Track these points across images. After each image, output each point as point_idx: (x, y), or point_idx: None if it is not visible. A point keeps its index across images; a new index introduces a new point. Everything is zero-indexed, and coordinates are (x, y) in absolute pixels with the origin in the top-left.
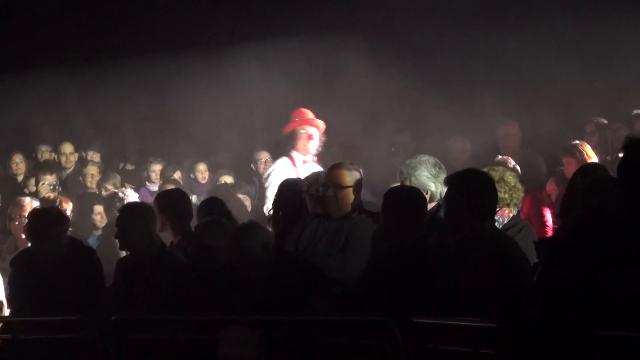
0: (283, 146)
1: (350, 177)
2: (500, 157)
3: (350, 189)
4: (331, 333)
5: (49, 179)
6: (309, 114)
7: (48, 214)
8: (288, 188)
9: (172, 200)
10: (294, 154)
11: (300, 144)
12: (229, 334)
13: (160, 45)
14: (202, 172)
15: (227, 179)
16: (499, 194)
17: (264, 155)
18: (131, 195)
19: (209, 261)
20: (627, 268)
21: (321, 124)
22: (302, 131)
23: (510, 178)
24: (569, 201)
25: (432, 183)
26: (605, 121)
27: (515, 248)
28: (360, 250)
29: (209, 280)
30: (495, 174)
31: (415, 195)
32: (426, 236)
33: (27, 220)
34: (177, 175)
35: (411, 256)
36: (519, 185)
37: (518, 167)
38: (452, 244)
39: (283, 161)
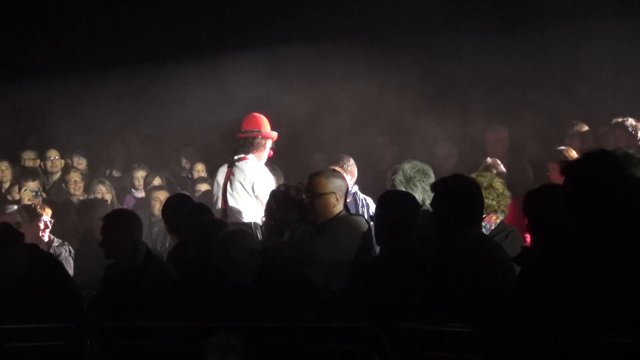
0: (234, 150)
1: (330, 184)
2: (489, 159)
3: (330, 196)
4: (318, 339)
5: (32, 186)
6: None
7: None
8: (280, 195)
9: (173, 205)
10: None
11: (264, 153)
12: (215, 341)
13: (147, 51)
14: (199, 171)
15: (204, 188)
16: (486, 200)
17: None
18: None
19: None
20: (591, 276)
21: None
22: (264, 141)
23: (499, 184)
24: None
25: (403, 187)
26: (586, 126)
27: (501, 254)
28: (329, 239)
29: (195, 286)
30: (484, 180)
31: (406, 201)
32: (416, 241)
33: None
34: (156, 181)
35: (399, 262)
36: (506, 192)
37: (504, 169)
38: (438, 250)
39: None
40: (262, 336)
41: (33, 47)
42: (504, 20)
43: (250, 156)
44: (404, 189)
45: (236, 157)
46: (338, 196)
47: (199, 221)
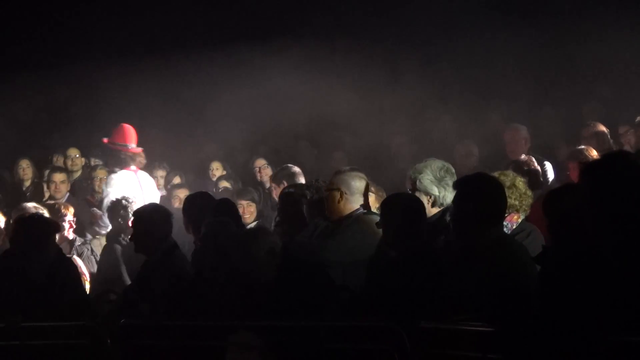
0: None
1: (336, 180)
2: (524, 156)
3: (334, 192)
4: (338, 339)
5: (60, 177)
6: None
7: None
8: (290, 195)
9: (194, 203)
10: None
11: (137, 162)
12: (235, 340)
13: (166, 50)
14: (215, 169)
15: (226, 185)
16: (509, 200)
17: (260, 163)
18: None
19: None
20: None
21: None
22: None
23: (521, 184)
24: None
25: (436, 187)
26: (603, 127)
27: (523, 253)
28: (342, 240)
29: (215, 285)
30: (506, 179)
31: (410, 204)
32: (430, 242)
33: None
34: (176, 180)
35: (417, 262)
36: (529, 192)
37: (539, 168)
38: (459, 249)
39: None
40: (281, 335)
41: (53, 44)
42: (524, 17)
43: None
44: (435, 189)
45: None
46: (344, 192)
47: (206, 221)
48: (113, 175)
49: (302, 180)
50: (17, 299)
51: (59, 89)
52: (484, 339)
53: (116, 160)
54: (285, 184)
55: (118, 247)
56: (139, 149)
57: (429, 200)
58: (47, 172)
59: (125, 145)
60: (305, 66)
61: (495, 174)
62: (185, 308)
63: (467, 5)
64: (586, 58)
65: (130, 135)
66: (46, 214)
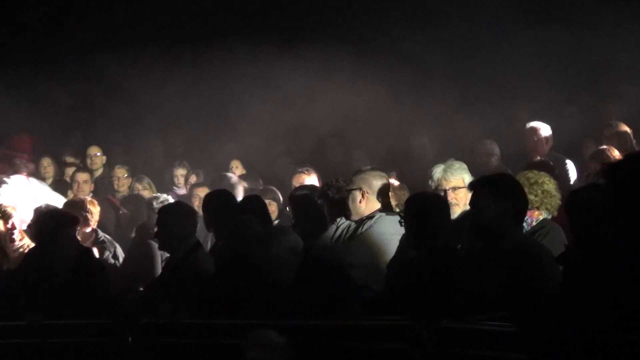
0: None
1: (357, 179)
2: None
3: (355, 192)
4: (359, 338)
5: (84, 177)
6: None
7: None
8: (303, 197)
9: (213, 201)
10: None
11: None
12: (256, 338)
13: (189, 48)
14: (235, 168)
15: (244, 184)
16: (530, 195)
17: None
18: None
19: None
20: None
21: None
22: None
23: (550, 185)
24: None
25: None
26: (625, 127)
27: (545, 253)
28: (365, 242)
29: (236, 283)
30: (533, 177)
31: (436, 203)
32: (451, 241)
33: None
34: (192, 179)
35: (437, 261)
36: (557, 193)
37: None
38: (479, 249)
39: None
40: (302, 334)
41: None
42: (547, 15)
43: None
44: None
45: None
46: (365, 192)
47: (228, 219)
48: (6, 179)
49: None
50: (39, 296)
51: (80, 86)
52: (505, 338)
53: (9, 166)
54: None
55: (154, 244)
56: (30, 158)
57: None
58: (69, 170)
59: (23, 153)
60: (329, 67)
61: (526, 172)
62: (206, 306)
63: (492, 5)
64: (611, 57)
65: (28, 144)
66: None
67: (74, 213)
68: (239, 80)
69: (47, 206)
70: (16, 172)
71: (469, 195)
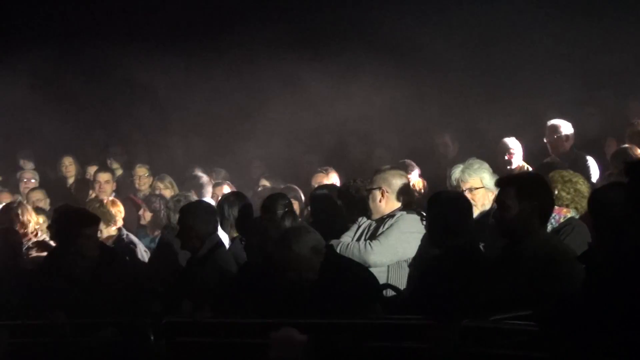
0: None
1: (378, 179)
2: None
3: (375, 191)
4: (381, 336)
5: (105, 177)
6: None
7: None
8: (322, 196)
9: (232, 201)
10: None
11: None
12: (278, 337)
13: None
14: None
15: (266, 183)
16: (562, 192)
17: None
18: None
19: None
20: None
21: None
22: None
23: (583, 186)
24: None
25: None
26: None
27: (569, 253)
28: (386, 241)
29: (257, 282)
30: (566, 175)
31: (458, 201)
32: (473, 240)
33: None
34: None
35: (459, 260)
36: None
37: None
38: (501, 248)
39: None
40: (325, 333)
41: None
42: (569, 12)
43: None
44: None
45: None
46: (385, 191)
47: (251, 220)
48: None
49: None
50: (62, 295)
51: (103, 84)
52: (527, 337)
53: None
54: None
55: (176, 243)
56: None
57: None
58: (90, 169)
59: None
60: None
61: (562, 171)
62: (228, 305)
63: (514, 2)
64: (634, 56)
65: None
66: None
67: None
68: (262, 80)
69: (67, 206)
70: None
71: (488, 194)
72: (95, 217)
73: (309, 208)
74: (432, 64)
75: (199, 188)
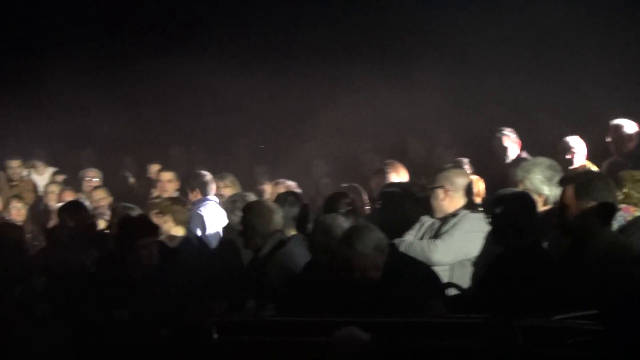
0: None
1: (440, 177)
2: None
3: (438, 190)
4: (443, 335)
5: (169, 176)
6: None
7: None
8: (392, 194)
9: (291, 200)
10: None
11: None
12: (341, 336)
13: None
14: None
15: (328, 182)
16: (631, 191)
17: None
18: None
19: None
20: None
21: None
22: None
23: None
24: None
25: (546, 187)
26: None
27: (633, 253)
28: (450, 240)
29: (321, 281)
30: (637, 174)
31: (523, 201)
32: (538, 239)
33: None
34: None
35: (524, 259)
36: None
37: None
38: (565, 248)
39: None
40: (388, 332)
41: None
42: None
43: None
44: (546, 188)
45: None
46: (448, 190)
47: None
48: None
49: (213, 187)
50: (123, 294)
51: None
52: (593, 337)
53: None
54: (199, 192)
55: (239, 242)
56: None
57: (539, 200)
58: (153, 168)
59: None
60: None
61: (631, 170)
62: (292, 304)
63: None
64: None
65: None
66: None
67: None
68: (323, 80)
69: (127, 216)
70: None
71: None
72: (154, 227)
73: (370, 206)
74: (493, 63)
75: (203, 186)
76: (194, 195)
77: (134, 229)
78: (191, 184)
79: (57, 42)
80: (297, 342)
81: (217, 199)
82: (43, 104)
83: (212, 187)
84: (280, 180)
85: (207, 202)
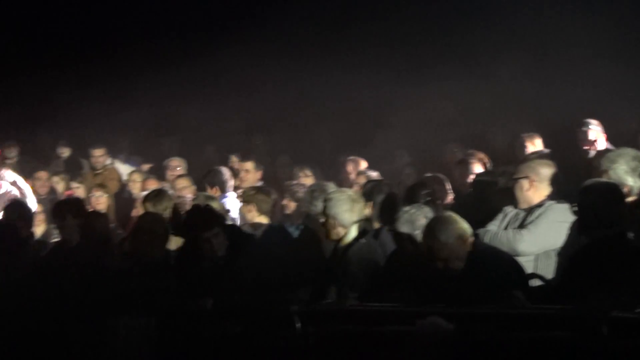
0: None
1: (524, 167)
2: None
3: (522, 180)
4: (527, 326)
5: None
6: None
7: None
8: (483, 183)
9: (375, 191)
10: None
11: None
12: (425, 325)
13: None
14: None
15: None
16: None
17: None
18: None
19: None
20: None
21: None
22: None
23: None
24: None
25: (630, 177)
26: None
27: None
28: (536, 231)
29: (404, 271)
30: None
31: (610, 191)
32: (624, 230)
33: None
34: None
35: (610, 250)
36: None
37: None
38: None
39: None
40: (471, 322)
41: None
42: None
43: None
44: (630, 179)
45: None
46: (533, 180)
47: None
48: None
49: (231, 184)
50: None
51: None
52: None
53: None
54: (218, 189)
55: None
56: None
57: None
58: (234, 158)
59: None
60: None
61: None
62: (374, 293)
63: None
64: None
65: None
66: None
67: None
68: (404, 71)
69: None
70: None
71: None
72: (215, 218)
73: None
74: (576, 52)
75: (223, 184)
76: (214, 192)
77: (194, 224)
78: (211, 181)
79: (139, 33)
80: (380, 331)
81: (234, 195)
82: (126, 94)
83: (231, 184)
84: (363, 169)
85: (226, 198)
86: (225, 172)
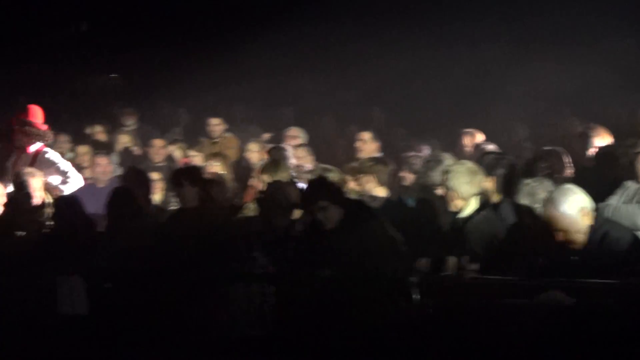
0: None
1: None
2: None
3: None
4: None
5: (366, 136)
6: None
7: None
8: (610, 154)
9: (496, 164)
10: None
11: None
12: (545, 299)
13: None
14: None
15: (527, 146)
16: None
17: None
18: None
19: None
20: None
21: None
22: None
23: None
24: None
25: None
26: None
27: None
28: None
29: (523, 243)
30: None
31: None
32: None
33: None
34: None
35: None
36: None
37: None
38: None
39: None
40: (592, 296)
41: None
42: None
43: None
44: None
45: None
46: None
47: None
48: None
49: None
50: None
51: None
52: None
53: (27, 137)
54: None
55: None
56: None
57: None
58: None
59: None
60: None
61: None
62: (495, 265)
63: None
64: None
65: (39, 114)
66: None
67: None
68: (522, 44)
69: (328, 170)
70: (34, 141)
71: None
72: (330, 190)
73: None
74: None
75: (284, 159)
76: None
77: (313, 191)
78: (272, 155)
79: (255, 4)
80: (499, 304)
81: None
82: (243, 64)
83: (292, 161)
84: (479, 142)
85: None
86: (288, 149)
